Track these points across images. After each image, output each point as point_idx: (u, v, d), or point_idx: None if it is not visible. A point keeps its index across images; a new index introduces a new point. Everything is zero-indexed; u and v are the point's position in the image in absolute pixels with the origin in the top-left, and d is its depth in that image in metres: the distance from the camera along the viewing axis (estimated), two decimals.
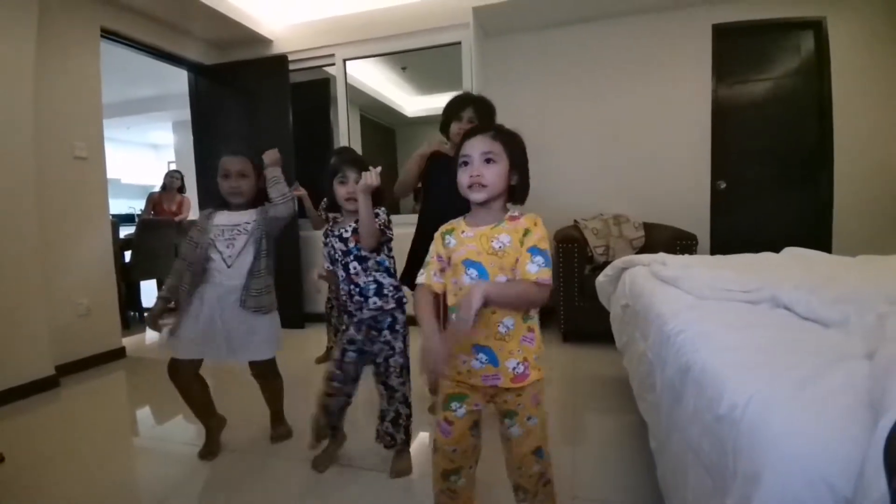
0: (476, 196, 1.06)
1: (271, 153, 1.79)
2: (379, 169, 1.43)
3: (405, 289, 1.68)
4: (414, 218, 2.14)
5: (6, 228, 2.42)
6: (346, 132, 3.86)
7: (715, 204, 3.47)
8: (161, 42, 3.46)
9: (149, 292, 4.59)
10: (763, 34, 3.38)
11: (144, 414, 2.40)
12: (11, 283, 2.42)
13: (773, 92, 3.42)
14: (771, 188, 3.45)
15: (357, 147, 3.96)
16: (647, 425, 1.42)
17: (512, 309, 1.03)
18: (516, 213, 1.09)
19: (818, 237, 3.30)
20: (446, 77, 3.84)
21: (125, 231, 4.50)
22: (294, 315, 3.66)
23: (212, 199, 1.91)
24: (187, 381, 1.79)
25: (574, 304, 2.99)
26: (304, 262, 3.77)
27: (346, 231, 1.54)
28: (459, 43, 3.48)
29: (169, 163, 7.93)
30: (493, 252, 1.03)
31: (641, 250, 3.14)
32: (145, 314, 4.38)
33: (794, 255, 2.08)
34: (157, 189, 5.06)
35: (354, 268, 1.54)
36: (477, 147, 1.06)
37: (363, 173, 1.44)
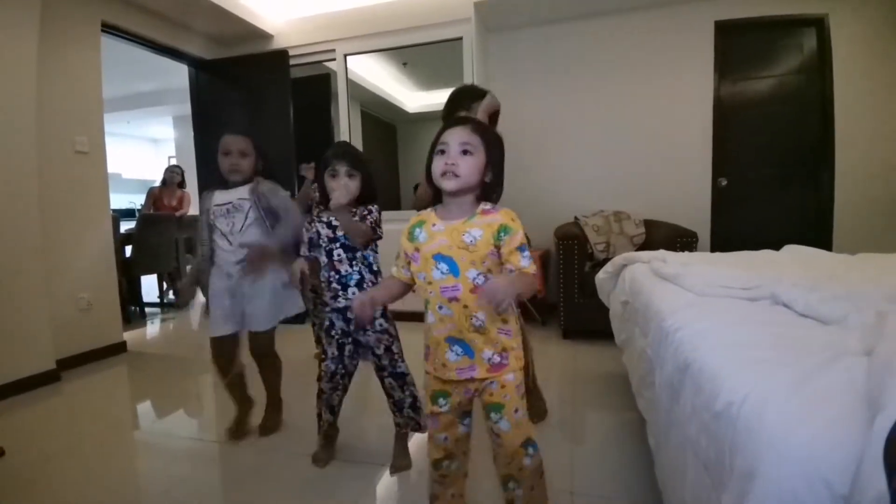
0: (447, 184, 1.05)
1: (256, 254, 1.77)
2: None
3: None
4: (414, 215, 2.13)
5: (8, 223, 2.42)
6: (347, 128, 3.86)
7: (716, 201, 3.47)
8: (161, 37, 3.46)
9: (149, 287, 4.60)
10: (765, 31, 3.37)
11: (145, 408, 2.41)
12: (12, 278, 2.43)
13: (775, 89, 3.41)
14: (772, 186, 3.45)
15: (358, 143, 3.95)
16: (645, 422, 1.42)
17: (522, 299, 1.03)
18: (488, 207, 1.07)
19: (819, 235, 3.30)
20: (448, 73, 3.83)
21: (126, 226, 4.50)
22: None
23: (211, 180, 1.95)
24: (224, 361, 1.84)
25: (574, 301, 2.99)
26: None
27: (335, 219, 1.53)
28: (461, 38, 3.47)
29: (169, 158, 7.93)
30: (464, 246, 1.02)
31: (642, 247, 3.14)
32: (146, 309, 4.40)
33: (794, 253, 2.08)
34: (157, 184, 5.06)
35: (339, 255, 1.53)
36: (455, 137, 1.05)
37: (334, 193, 1.46)
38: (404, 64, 4.94)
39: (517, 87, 3.71)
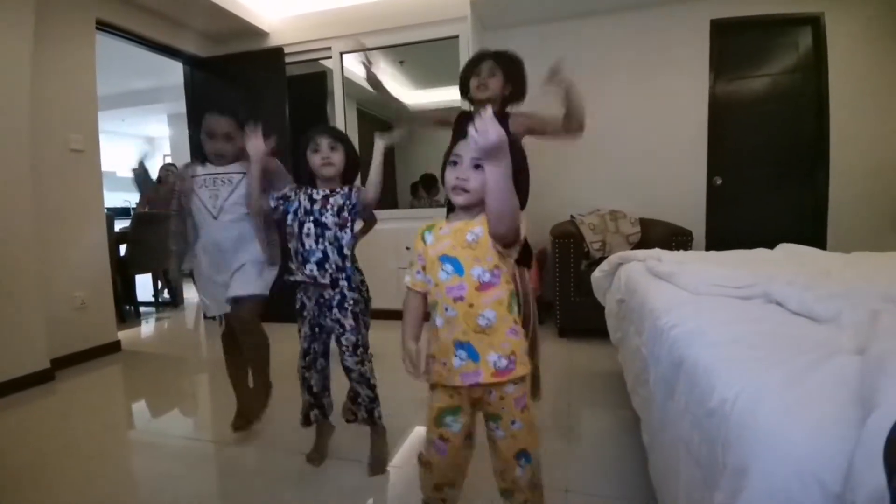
0: (457, 199, 1.05)
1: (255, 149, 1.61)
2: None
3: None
4: (412, 214, 2.13)
5: (1, 222, 2.40)
6: (343, 126, 3.84)
7: (711, 200, 3.48)
8: (156, 34, 3.44)
9: (144, 286, 4.59)
10: (761, 30, 3.38)
11: (140, 407, 2.40)
12: (6, 277, 2.41)
13: (771, 88, 3.42)
14: (767, 185, 3.46)
15: (354, 141, 3.93)
16: (640, 420, 1.43)
17: (498, 198, 0.94)
18: None
19: (813, 234, 3.32)
20: (444, 71, 3.82)
21: (120, 224, 4.48)
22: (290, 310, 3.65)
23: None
24: (228, 342, 1.82)
25: (570, 300, 2.99)
26: None
27: (318, 194, 1.53)
28: (457, 37, 3.46)
29: (164, 156, 7.89)
30: (466, 245, 1.02)
31: (637, 246, 3.15)
32: (141, 308, 4.38)
33: (788, 252, 2.09)
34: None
35: (308, 229, 1.50)
36: (469, 150, 1.02)
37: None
38: (401, 62, 4.92)
39: None
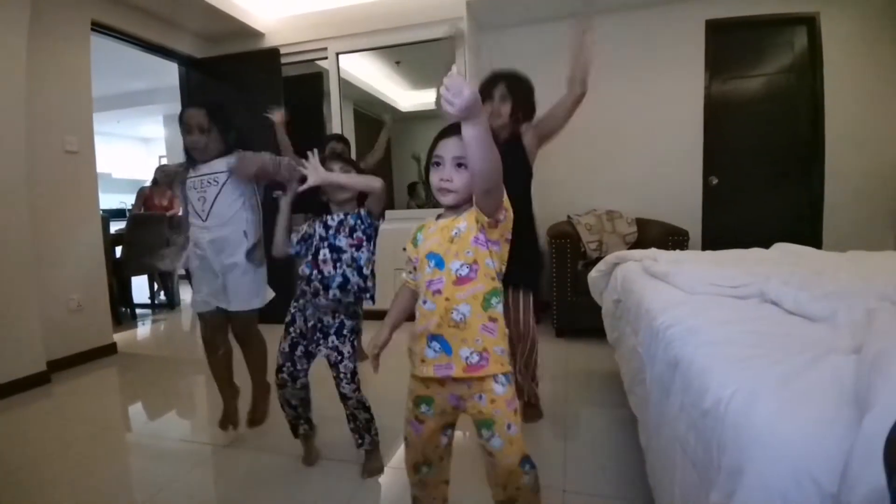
0: (444, 200, 1.05)
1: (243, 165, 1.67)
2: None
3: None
4: (411, 214, 2.13)
5: None
6: (340, 127, 3.84)
7: (707, 200, 3.49)
8: (152, 35, 3.43)
9: (140, 288, 4.57)
10: (756, 30, 3.39)
11: (136, 410, 2.39)
12: (2, 279, 2.40)
13: (766, 88, 3.43)
14: (763, 184, 3.47)
15: (351, 142, 3.93)
16: (637, 420, 1.43)
17: (481, 156, 0.89)
18: None
19: (809, 233, 3.33)
20: (440, 72, 3.82)
21: (116, 226, 4.47)
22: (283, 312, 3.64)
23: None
24: (211, 341, 1.82)
25: (567, 300, 3.00)
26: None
27: (333, 220, 1.52)
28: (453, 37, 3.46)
29: (160, 157, 7.87)
30: (450, 239, 1.03)
31: (634, 246, 3.16)
32: (137, 310, 4.36)
33: (784, 251, 2.09)
34: (147, 184, 5.01)
35: (324, 255, 1.50)
36: (449, 150, 1.02)
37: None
38: (397, 63, 4.92)
39: None
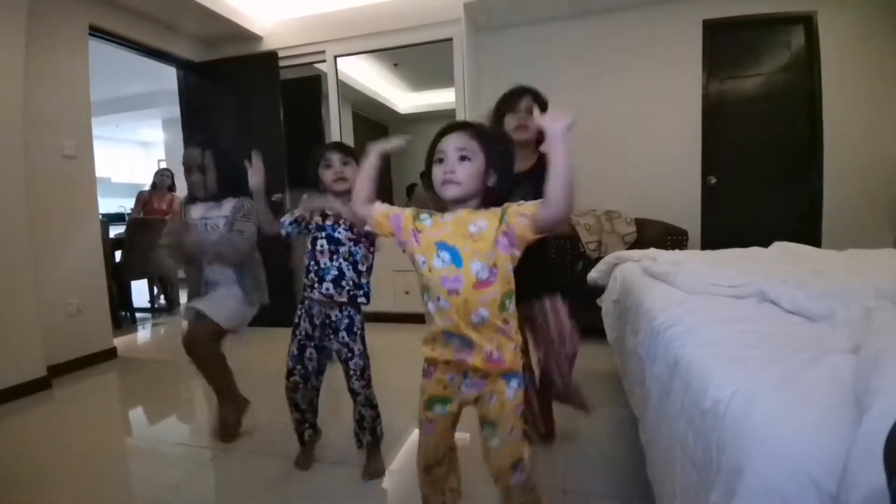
0: (448, 193, 1.03)
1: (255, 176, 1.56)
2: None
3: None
4: None
5: None
6: (338, 129, 3.84)
7: (705, 199, 3.49)
8: (150, 39, 3.43)
9: (140, 292, 4.57)
10: (754, 29, 3.39)
11: (137, 414, 2.39)
12: (1, 284, 2.40)
13: (764, 87, 3.44)
14: (761, 183, 3.47)
15: (350, 144, 3.94)
16: (637, 420, 1.43)
17: (563, 184, 0.92)
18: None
19: (808, 232, 3.33)
20: (439, 73, 3.82)
21: (115, 230, 4.47)
22: (284, 314, 3.64)
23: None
24: (199, 352, 1.80)
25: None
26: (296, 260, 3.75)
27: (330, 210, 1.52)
28: (451, 39, 3.46)
29: (159, 161, 7.85)
30: (468, 236, 0.99)
31: (633, 245, 3.15)
32: (136, 314, 4.36)
33: (782, 250, 2.09)
34: (147, 188, 5.01)
35: (321, 245, 1.50)
36: (452, 143, 1.02)
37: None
38: (395, 65, 4.93)
39: (507, 86, 3.68)
